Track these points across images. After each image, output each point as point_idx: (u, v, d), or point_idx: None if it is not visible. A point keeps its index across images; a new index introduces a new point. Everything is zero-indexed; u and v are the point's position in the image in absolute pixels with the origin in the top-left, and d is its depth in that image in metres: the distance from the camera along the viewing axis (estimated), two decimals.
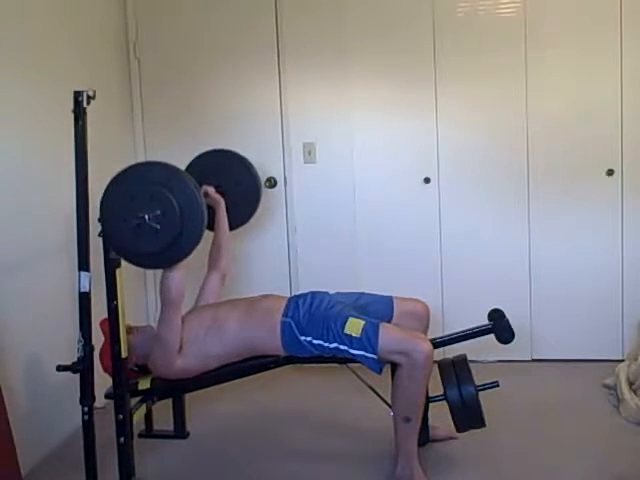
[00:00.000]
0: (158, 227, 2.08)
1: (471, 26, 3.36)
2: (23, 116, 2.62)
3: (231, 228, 2.83)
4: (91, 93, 2.17)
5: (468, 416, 2.34)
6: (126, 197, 2.12)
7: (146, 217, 2.08)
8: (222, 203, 2.79)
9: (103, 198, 2.17)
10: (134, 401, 2.47)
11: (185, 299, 2.34)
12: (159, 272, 2.36)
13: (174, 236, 2.10)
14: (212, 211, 2.71)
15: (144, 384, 2.45)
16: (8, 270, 2.47)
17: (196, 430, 2.82)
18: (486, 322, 2.54)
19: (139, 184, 2.14)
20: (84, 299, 2.24)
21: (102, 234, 2.20)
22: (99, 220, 2.19)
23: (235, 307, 2.48)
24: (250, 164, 2.95)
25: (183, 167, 3.36)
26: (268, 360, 2.42)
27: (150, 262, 2.24)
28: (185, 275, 2.27)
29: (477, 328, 2.52)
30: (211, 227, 2.72)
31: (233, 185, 2.87)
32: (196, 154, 3.60)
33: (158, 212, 2.08)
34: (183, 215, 2.09)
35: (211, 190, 2.78)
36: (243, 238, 3.31)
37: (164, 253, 2.14)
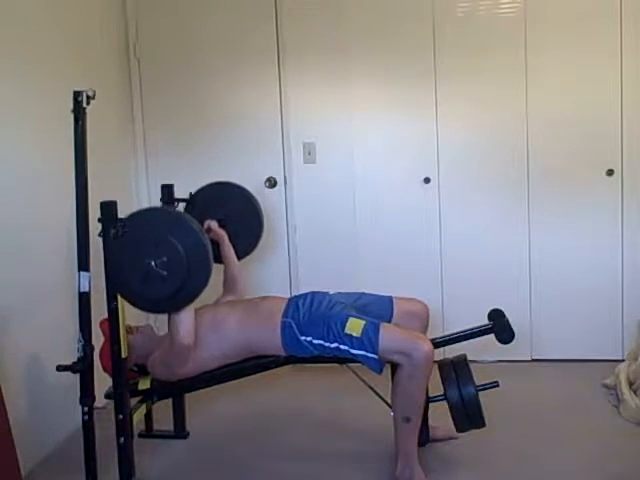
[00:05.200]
0: (165, 274, 2.07)
1: (471, 26, 3.36)
2: (22, 116, 2.62)
3: (238, 258, 2.81)
4: (91, 93, 2.18)
5: (468, 416, 2.34)
6: (131, 245, 2.11)
7: (152, 264, 2.07)
8: (225, 237, 2.77)
9: (107, 247, 2.17)
10: (134, 401, 2.47)
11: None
12: None
13: (182, 281, 2.09)
14: (216, 245, 2.70)
15: (144, 384, 2.45)
16: (8, 270, 2.47)
17: (196, 430, 2.82)
18: (486, 322, 2.54)
19: (143, 231, 2.12)
20: (84, 299, 2.24)
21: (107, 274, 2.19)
22: (99, 220, 2.20)
23: (235, 308, 2.48)
24: (250, 194, 2.88)
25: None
26: (268, 360, 2.42)
27: (158, 307, 2.22)
28: (192, 314, 2.26)
29: (477, 328, 2.52)
30: (217, 260, 2.67)
31: (235, 216, 2.83)
32: (195, 155, 3.62)
33: (164, 259, 2.07)
34: (189, 260, 2.08)
35: (214, 225, 2.77)
36: None
37: (172, 298, 2.13)
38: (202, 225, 2.63)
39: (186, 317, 2.22)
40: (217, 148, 3.57)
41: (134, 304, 2.22)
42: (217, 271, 2.39)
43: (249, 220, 2.86)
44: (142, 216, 2.21)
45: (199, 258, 2.10)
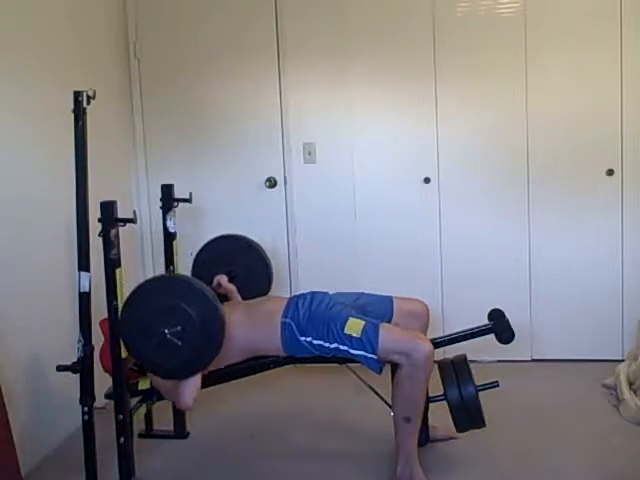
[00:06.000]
0: (179, 343, 2.09)
1: (471, 26, 3.35)
2: (22, 116, 2.62)
3: None
4: (91, 93, 2.18)
5: (468, 416, 2.34)
6: (146, 313, 2.12)
7: (167, 333, 2.08)
8: (234, 290, 2.77)
9: (122, 313, 2.18)
10: (134, 401, 2.47)
11: None
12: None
13: (195, 350, 2.11)
14: (226, 299, 2.71)
15: (144, 384, 2.45)
16: (8, 270, 2.47)
17: (196, 430, 2.82)
18: (486, 322, 2.54)
19: (158, 300, 2.13)
20: (84, 299, 2.24)
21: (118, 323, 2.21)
22: (99, 220, 2.20)
23: (235, 309, 2.47)
24: (255, 243, 2.88)
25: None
26: (268, 360, 2.42)
27: (170, 374, 2.23)
28: (200, 378, 2.24)
29: (477, 328, 2.52)
30: None
31: (243, 268, 2.83)
32: (195, 155, 3.62)
33: (178, 328, 2.08)
34: (204, 329, 2.10)
35: (224, 280, 2.76)
36: None
37: (185, 366, 2.15)
38: (211, 281, 2.68)
39: (194, 382, 2.21)
40: (217, 148, 3.57)
41: (145, 368, 2.26)
42: None
43: (257, 269, 2.86)
44: (156, 284, 2.23)
45: (213, 327, 2.11)
